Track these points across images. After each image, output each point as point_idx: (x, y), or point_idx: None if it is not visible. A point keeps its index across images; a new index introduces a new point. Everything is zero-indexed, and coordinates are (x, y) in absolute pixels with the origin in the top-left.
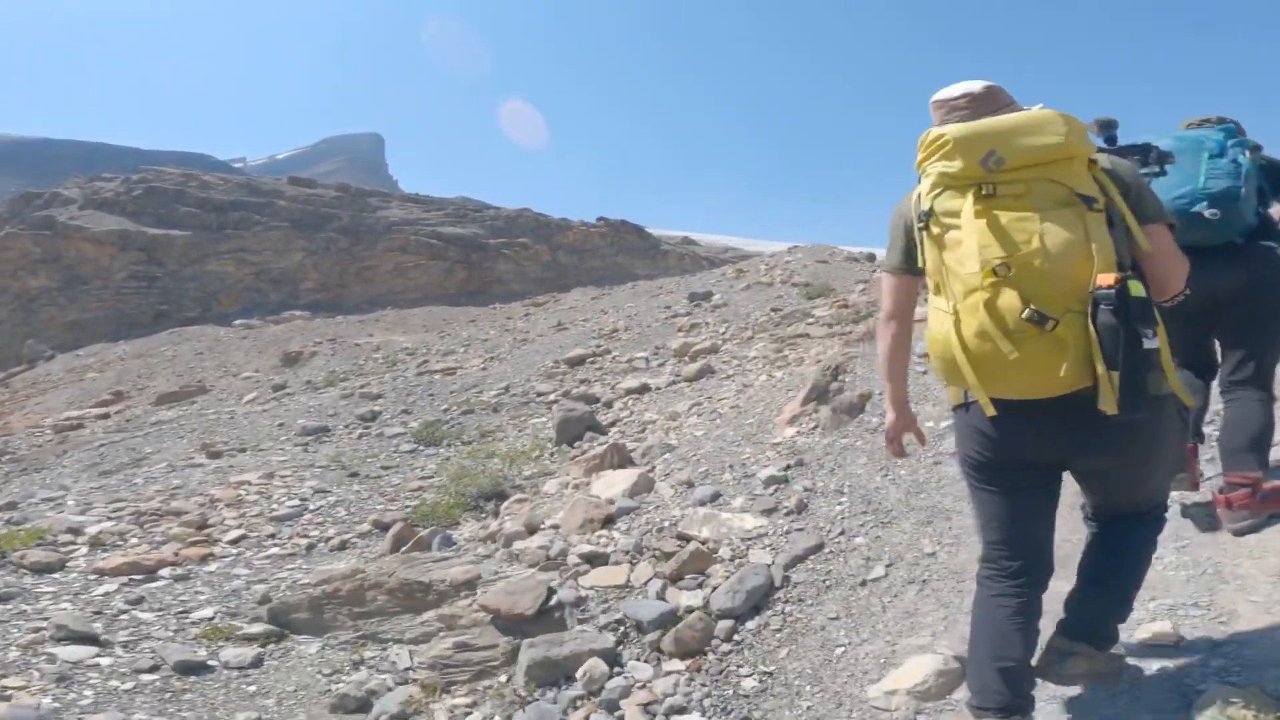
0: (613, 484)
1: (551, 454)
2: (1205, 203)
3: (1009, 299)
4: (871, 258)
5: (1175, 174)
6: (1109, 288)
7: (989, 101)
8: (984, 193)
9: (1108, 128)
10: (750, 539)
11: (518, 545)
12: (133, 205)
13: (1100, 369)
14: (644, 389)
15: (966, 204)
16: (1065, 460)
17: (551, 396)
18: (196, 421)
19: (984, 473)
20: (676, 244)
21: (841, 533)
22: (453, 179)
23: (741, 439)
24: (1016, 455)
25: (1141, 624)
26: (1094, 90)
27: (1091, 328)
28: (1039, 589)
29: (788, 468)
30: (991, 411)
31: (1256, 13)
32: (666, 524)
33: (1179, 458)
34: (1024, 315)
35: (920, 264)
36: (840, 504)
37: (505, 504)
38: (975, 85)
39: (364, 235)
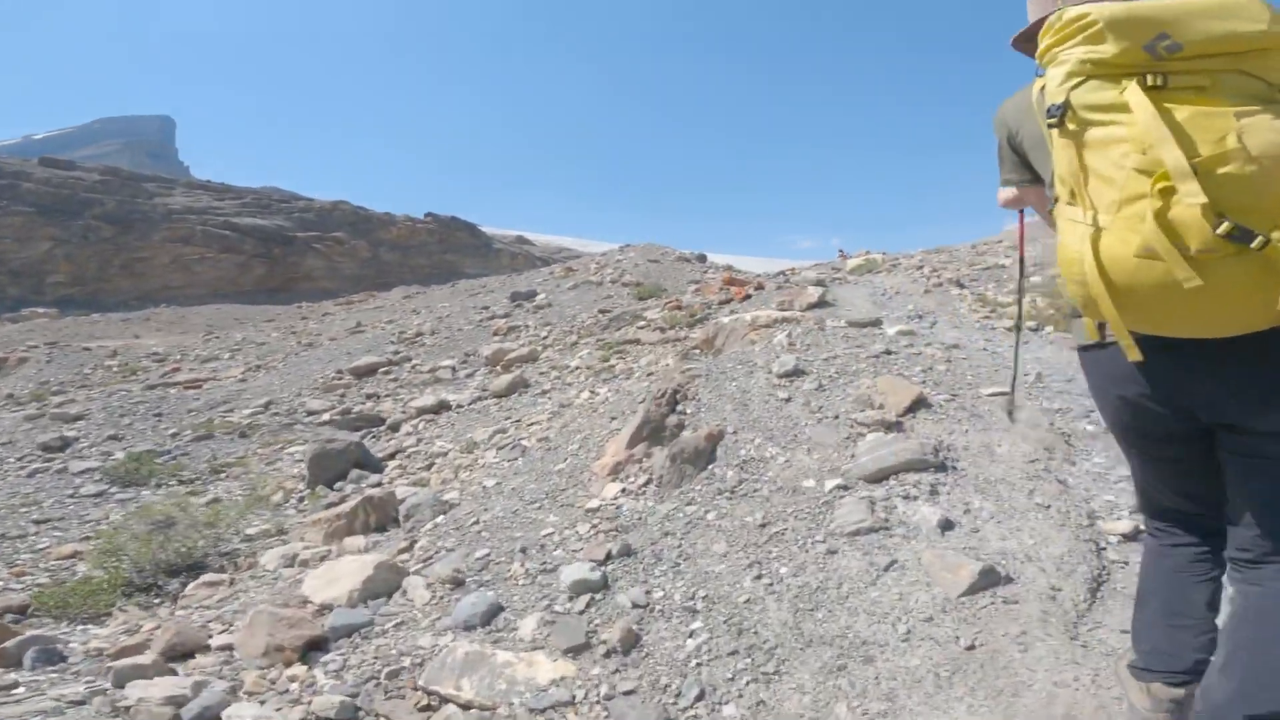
0: (336, 577)
1: (301, 500)
2: None
3: (1188, 211)
4: (702, 258)
5: None
6: None
7: None
8: (1151, 84)
9: None
10: (546, 708)
11: (135, 690)
12: None
13: None
14: (442, 407)
15: (1131, 93)
16: (1234, 428)
17: (325, 416)
18: None
19: (1127, 436)
20: (510, 243)
21: (699, 696)
22: (266, 170)
23: (545, 496)
24: (1163, 417)
25: None
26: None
27: None
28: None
29: (607, 559)
30: (1136, 356)
31: None
32: (407, 664)
33: None
34: (1219, 230)
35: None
36: (692, 633)
37: (194, 585)
38: None
39: (135, 224)
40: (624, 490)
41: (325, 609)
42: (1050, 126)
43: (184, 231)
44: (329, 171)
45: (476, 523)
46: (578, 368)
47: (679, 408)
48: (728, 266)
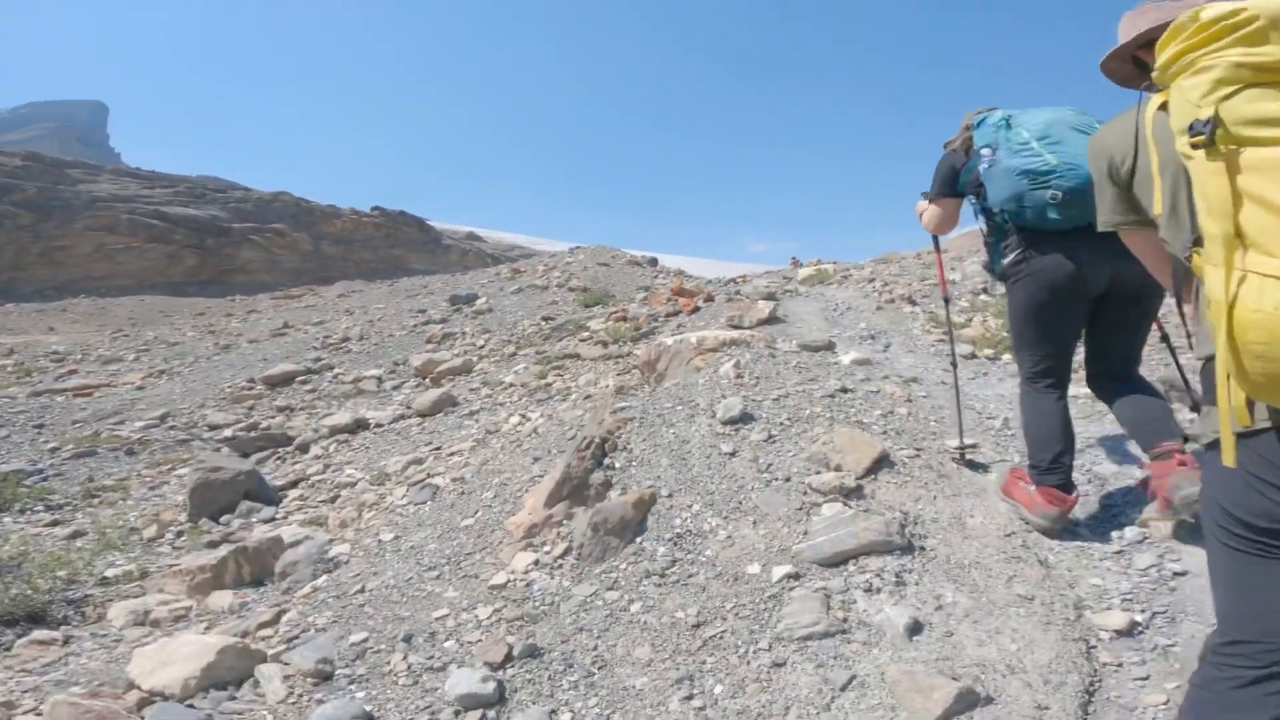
0: (172, 657)
1: (179, 536)
2: None
3: None
4: (654, 262)
5: (1072, 144)
6: None
7: None
8: None
9: None
10: None
11: None
12: None
13: None
14: (359, 426)
15: None
16: None
17: (227, 432)
18: None
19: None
20: (460, 239)
21: None
22: (207, 159)
23: (447, 562)
24: None
25: None
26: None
27: None
28: None
29: (507, 660)
30: None
31: None
32: None
33: None
34: None
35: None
36: None
37: (23, 642)
38: None
39: (56, 211)
40: (537, 562)
41: (151, 699)
42: (1197, 147)
43: (108, 220)
44: (274, 163)
45: (362, 591)
46: (511, 384)
47: (607, 460)
48: (680, 271)
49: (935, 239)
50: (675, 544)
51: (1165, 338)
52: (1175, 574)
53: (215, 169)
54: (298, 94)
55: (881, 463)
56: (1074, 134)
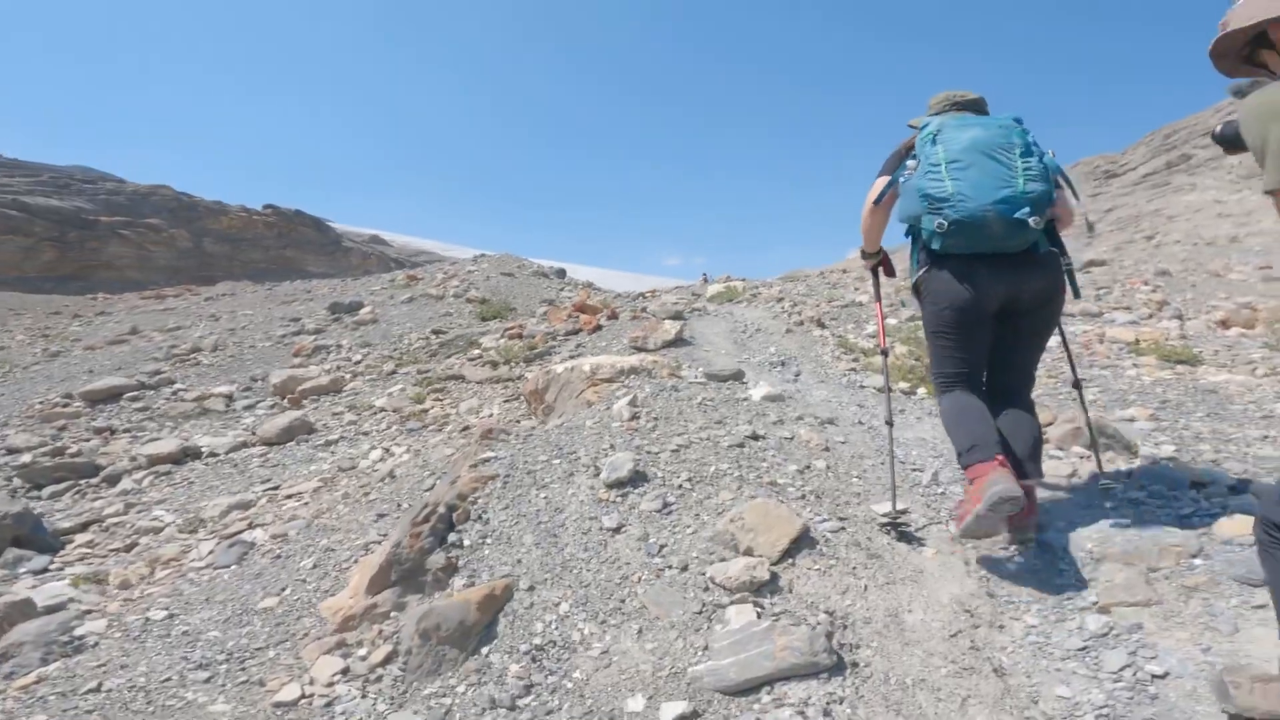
0: None
1: None
2: (1028, 209)
3: None
4: (562, 273)
5: (987, 168)
6: None
7: None
8: None
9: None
10: None
11: None
12: None
13: None
14: (187, 455)
15: None
16: None
17: (26, 458)
18: None
19: None
20: (363, 242)
21: None
22: (88, 151)
23: (227, 657)
24: None
25: None
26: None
27: None
28: None
29: None
30: None
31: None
32: None
33: None
34: None
35: None
36: None
37: None
38: None
39: None
40: (346, 671)
41: None
42: None
43: None
44: (165, 159)
45: (97, 689)
46: (382, 410)
47: (455, 535)
48: (588, 283)
49: (876, 285)
50: (533, 660)
51: (1077, 384)
52: (1154, 676)
53: (97, 161)
54: (195, 86)
55: (801, 542)
56: (986, 161)
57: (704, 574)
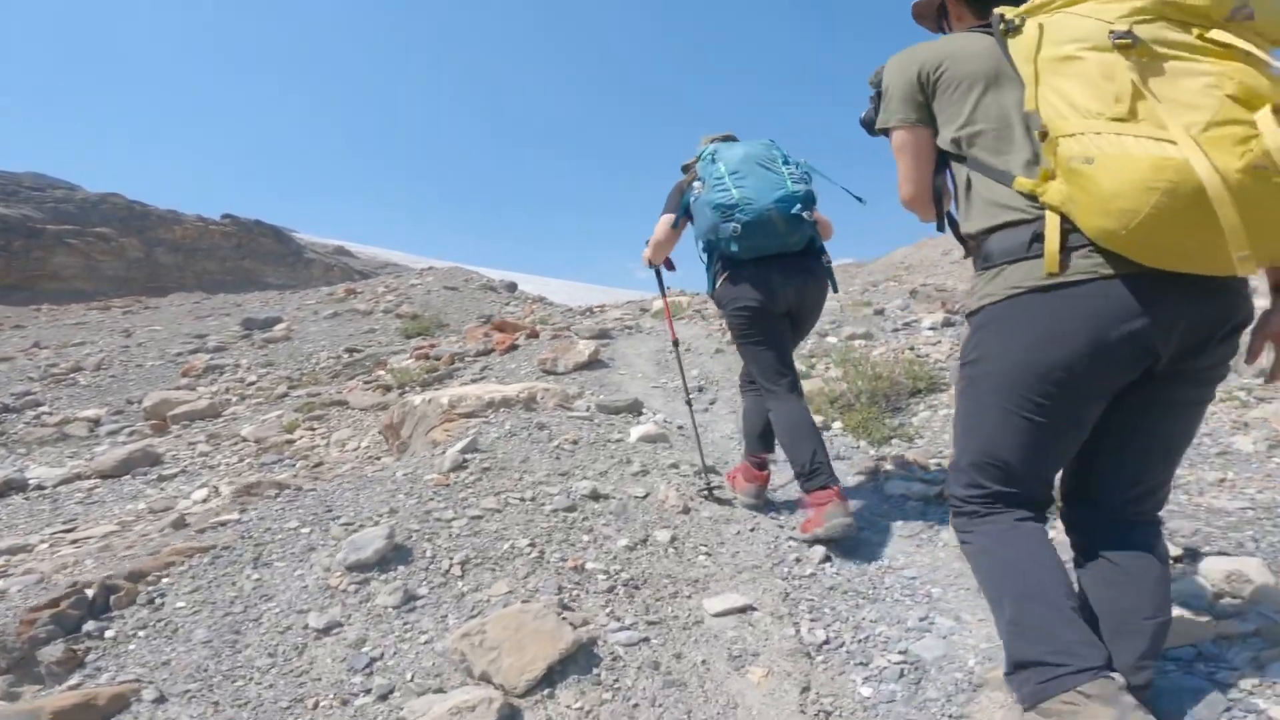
0: None
1: None
2: (800, 204)
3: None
4: (513, 287)
5: (761, 174)
6: None
7: None
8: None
9: None
10: None
11: None
12: None
13: None
14: (7, 489)
15: (1229, 38)
16: (1174, 377)
17: None
18: None
19: (1060, 390)
20: (327, 253)
21: None
22: (39, 157)
23: None
24: (1128, 365)
25: None
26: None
27: None
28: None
29: None
30: (1250, 269)
31: None
32: None
33: None
34: None
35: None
36: None
37: None
38: None
39: None
40: None
41: None
42: (1119, 49)
43: None
44: (121, 167)
45: None
46: (242, 442)
47: (95, 622)
48: (539, 297)
49: (660, 282)
50: None
51: None
52: None
53: (50, 168)
54: (154, 95)
55: (573, 663)
56: (759, 170)
57: (401, 711)
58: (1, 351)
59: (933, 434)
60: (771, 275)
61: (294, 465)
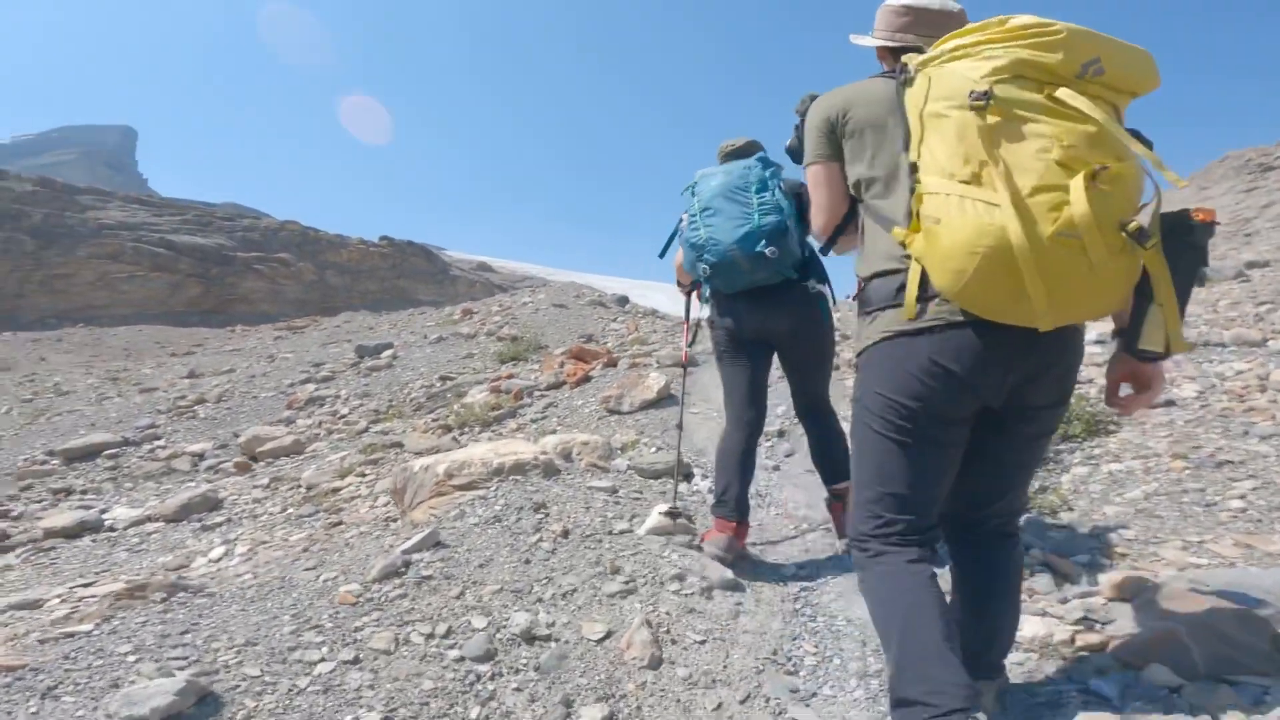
0: None
1: None
2: (764, 241)
3: (1105, 206)
4: (623, 301)
5: (728, 210)
6: (1208, 221)
7: (957, 25)
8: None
9: None
10: None
11: None
12: None
13: (1165, 299)
14: (83, 530)
15: (1073, 97)
16: (1012, 412)
17: None
18: None
19: (929, 420)
20: (470, 269)
21: None
22: (233, 187)
23: None
24: (970, 398)
25: None
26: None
27: (1160, 256)
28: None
29: None
30: (1048, 324)
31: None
32: None
33: None
34: (1129, 227)
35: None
36: None
37: None
38: (954, 5)
39: (60, 238)
40: None
41: None
42: (974, 109)
43: (113, 248)
44: (296, 192)
45: None
46: (297, 485)
47: None
48: (651, 311)
49: (688, 306)
50: None
51: None
52: None
53: (242, 197)
54: (325, 122)
55: None
56: (727, 203)
57: None
58: (151, 382)
59: (1090, 502)
60: (738, 305)
61: (315, 521)
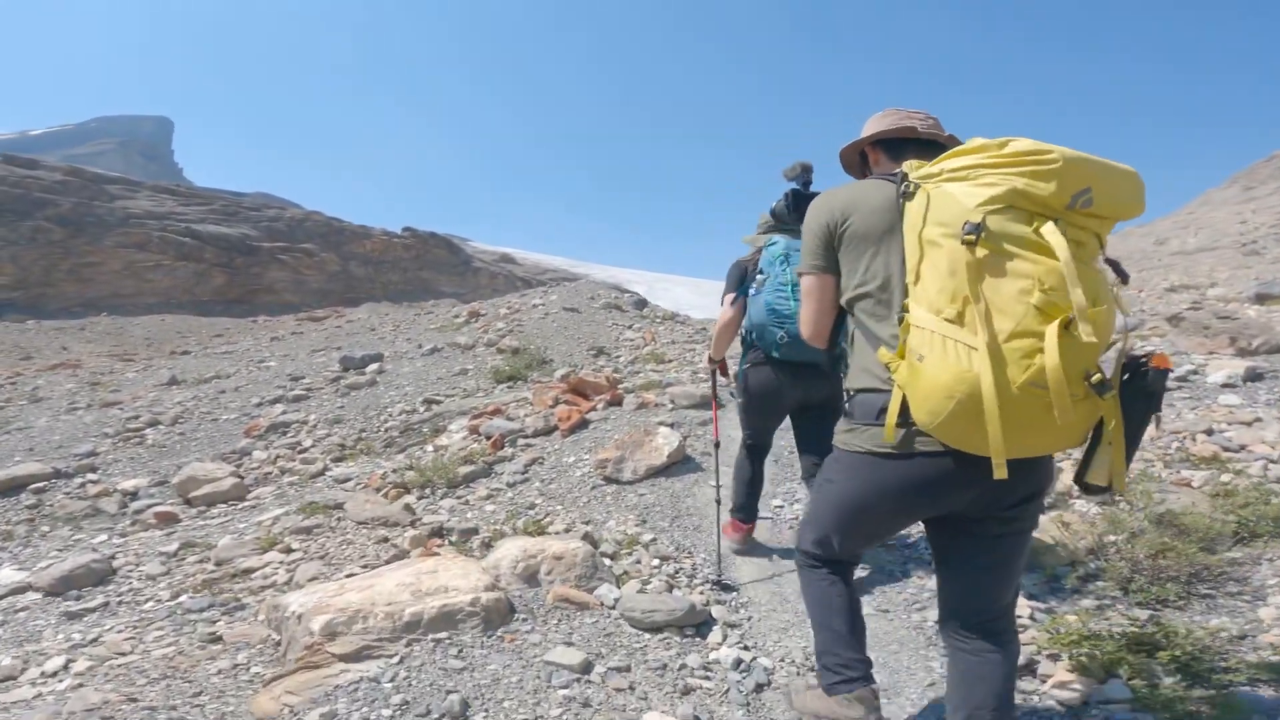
0: None
1: None
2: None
3: (1075, 355)
4: (641, 304)
5: (777, 280)
6: (1163, 368)
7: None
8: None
9: (807, 172)
10: None
11: None
12: None
13: (1115, 441)
14: None
15: (1052, 235)
16: (978, 523)
17: None
18: None
19: (876, 515)
20: (492, 261)
21: None
22: (266, 176)
23: None
24: (937, 510)
25: None
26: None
27: (1116, 403)
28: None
29: None
30: (1002, 474)
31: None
32: None
33: None
34: (1093, 379)
35: (911, 280)
36: None
37: None
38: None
39: (88, 227)
40: None
41: None
42: (965, 243)
43: (139, 237)
44: (326, 183)
45: None
46: (206, 560)
47: None
48: (670, 314)
49: (714, 383)
50: None
51: None
52: None
53: (274, 187)
54: (358, 112)
55: None
56: None
57: None
58: (131, 387)
59: None
60: (783, 371)
61: (199, 623)
